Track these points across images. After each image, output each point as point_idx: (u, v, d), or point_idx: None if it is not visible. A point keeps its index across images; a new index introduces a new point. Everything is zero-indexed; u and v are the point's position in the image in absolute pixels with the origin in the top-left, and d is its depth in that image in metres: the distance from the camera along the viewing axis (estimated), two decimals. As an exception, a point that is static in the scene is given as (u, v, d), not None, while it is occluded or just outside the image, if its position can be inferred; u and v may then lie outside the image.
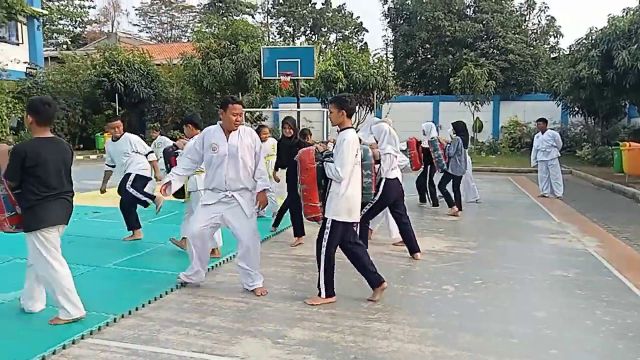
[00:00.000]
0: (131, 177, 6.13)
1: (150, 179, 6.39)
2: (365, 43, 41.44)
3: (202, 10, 44.39)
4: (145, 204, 6.14)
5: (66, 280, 3.64)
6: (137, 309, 3.94)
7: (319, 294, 4.19)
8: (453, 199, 8.41)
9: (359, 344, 3.42)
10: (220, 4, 42.32)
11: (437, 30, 26.14)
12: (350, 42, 39.35)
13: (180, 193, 5.19)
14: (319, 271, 4.18)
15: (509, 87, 23.40)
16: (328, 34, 45.96)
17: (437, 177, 8.92)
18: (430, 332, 3.62)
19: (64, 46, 36.24)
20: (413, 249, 5.69)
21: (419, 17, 26.48)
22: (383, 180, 5.38)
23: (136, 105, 22.57)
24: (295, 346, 3.36)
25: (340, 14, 45.74)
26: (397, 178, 5.53)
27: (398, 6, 28.58)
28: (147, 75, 22.10)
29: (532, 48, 24.53)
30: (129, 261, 5.25)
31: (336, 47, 28.49)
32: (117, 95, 20.84)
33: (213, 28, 22.54)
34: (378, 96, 20.16)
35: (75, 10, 38.02)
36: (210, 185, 4.35)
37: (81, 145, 21.94)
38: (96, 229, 6.79)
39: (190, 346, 3.33)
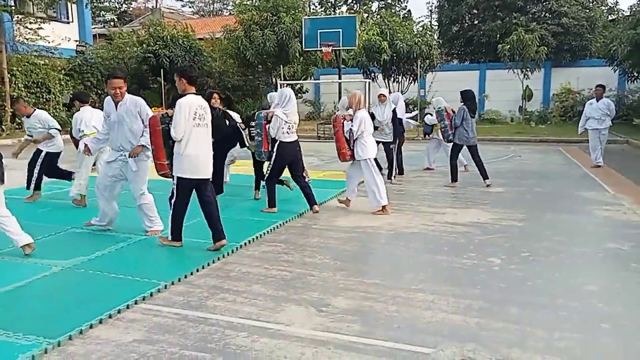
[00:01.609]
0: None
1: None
2: (409, 11, 40.21)
3: (243, -17, 44.14)
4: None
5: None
6: (185, 277, 4.09)
7: (167, 236, 4.85)
8: (456, 174, 8.25)
9: (402, 313, 3.43)
10: (261, -24, 41.91)
11: (485, -6, 25.00)
12: (393, 10, 38.27)
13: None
14: (170, 219, 4.76)
15: (561, 53, 22.23)
16: (370, 3, 44.79)
17: (412, 147, 8.92)
18: (475, 304, 3.58)
19: (111, 23, 37.14)
20: (311, 202, 6.23)
21: (465, -19, 25.36)
22: (277, 143, 6.00)
23: (181, 80, 22.90)
24: (338, 314, 3.41)
25: (383, -19, 44.37)
26: (294, 141, 6.10)
27: (443, -30, 27.47)
28: (191, 50, 22.37)
29: (587, 10, 23.12)
30: (177, 231, 5.42)
31: (379, 16, 27.78)
32: (162, 70, 21.26)
33: (254, 0, 22.44)
34: (422, 65, 19.63)
35: (120, -13, 38.77)
36: (111, 145, 5.29)
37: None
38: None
39: (237, 313, 3.44)
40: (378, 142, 8.14)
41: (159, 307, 3.54)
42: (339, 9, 43.64)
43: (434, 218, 6.09)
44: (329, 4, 44.86)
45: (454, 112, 8.33)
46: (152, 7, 41.44)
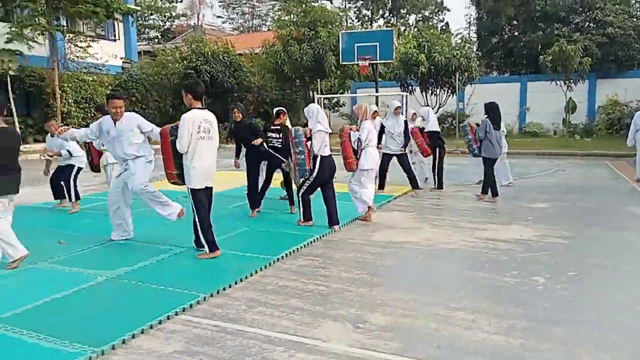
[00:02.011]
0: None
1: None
2: (447, 23, 39.96)
3: (282, -1, 45.05)
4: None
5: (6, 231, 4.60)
6: (224, 289, 4.14)
7: (205, 250, 4.96)
8: (494, 186, 8.08)
9: (442, 332, 3.35)
10: (299, -9, 42.63)
11: (526, 5, 24.56)
12: (431, 23, 38.12)
13: (96, 167, 7.30)
14: (199, 232, 4.94)
15: (607, 64, 21.47)
16: (407, 16, 44.81)
17: (450, 161, 8.86)
18: (519, 324, 3.46)
19: (155, 40, 38.53)
20: (332, 221, 6.14)
21: (505, -8, 25.00)
22: (318, 158, 5.96)
23: (221, 95, 23.52)
24: (376, 331, 3.37)
25: (420, -6, 44.31)
26: (330, 155, 6.09)
27: (482, -18, 27.18)
28: (231, 65, 22.88)
29: (635, 19, 22.30)
30: (218, 243, 5.49)
31: (416, 29, 27.70)
32: (203, 85, 21.80)
33: (292, 15, 22.82)
34: (461, 78, 19.39)
35: (164, 6, 40.19)
36: (115, 159, 6.04)
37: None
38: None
39: (274, 327, 3.45)
40: (391, 155, 8.47)
41: (198, 318, 3.60)
42: (375, 22, 43.80)
43: (474, 234, 5.95)
44: (366, 17, 45.12)
45: (477, 125, 8.16)
46: (194, 24, 42.77)
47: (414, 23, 41.84)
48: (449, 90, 20.24)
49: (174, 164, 4.86)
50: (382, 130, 8.46)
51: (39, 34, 17.48)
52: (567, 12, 23.32)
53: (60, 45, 19.07)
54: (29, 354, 3.02)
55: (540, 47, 22.67)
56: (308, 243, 5.54)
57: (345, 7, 45.38)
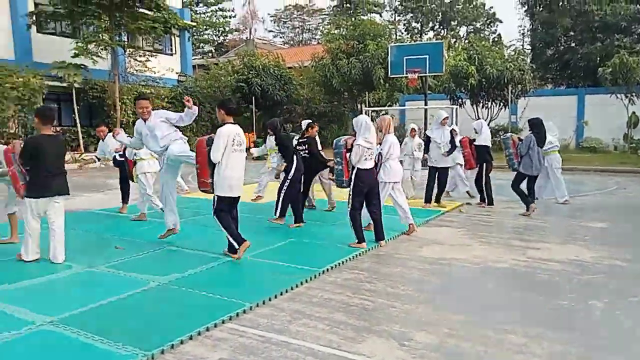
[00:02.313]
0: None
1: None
2: (499, 35, 39.01)
3: (332, 12, 45.59)
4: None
5: (35, 234, 5.09)
6: (270, 299, 4.19)
7: (233, 250, 5.29)
8: (527, 197, 7.96)
9: (490, 355, 3.24)
10: (349, 5, 43.04)
11: (583, 16, 23.69)
12: (482, 35, 37.40)
13: (131, 177, 7.62)
14: (226, 232, 5.28)
15: (673, 76, 20.27)
16: (458, 28, 44.20)
17: (496, 176, 8.57)
18: (573, 351, 3.29)
19: (209, 54, 39.86)
20: (378, 237, 6.05)
21: (561, 3, 24.26)
22: (354, 170, 5.84)
23: (270, 107, 24.00)
24: (421, 350, 3.30)
25: (472, 6, 43.67)
26: (371, 168, 5.91)
27: (537, -7, 26.47)
28: (281, 79, 23.33)
29: None
30: (264, 253, 5.59)
31: (467, 41, 27.27)
32: (254, 98, 22.35)
33: (341, 29, 23.04)
34: (513, 91, 18.88)
35: (218, 21, 41.62)
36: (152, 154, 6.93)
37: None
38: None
39: (319, 339, 3.45)
40: (436, 168, 8.44)
41: (244, 327, 3.65)
42: (425, 34, 43.47)
43: (527, 253, 5.74)
44: (415, 30, 44.85)
45: (520, 140, 8.05)
46: (247, 38, 43.97)
47: (464, 35, 41.20)
48: (501, 103, 19.73)
49: (208, 173, 5.24)
50: (427, 141, 8.54)
51: (102, 49, 18.53)
52: (629, 22, 22.30)
53: (121, 59, 20.12)
54: (85, 353, 3.16)
55: (599, 58, 21.78)
56: (354, 256, 5.53)
57: (395, 19, 45.39)
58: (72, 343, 3.30)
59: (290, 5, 52.31)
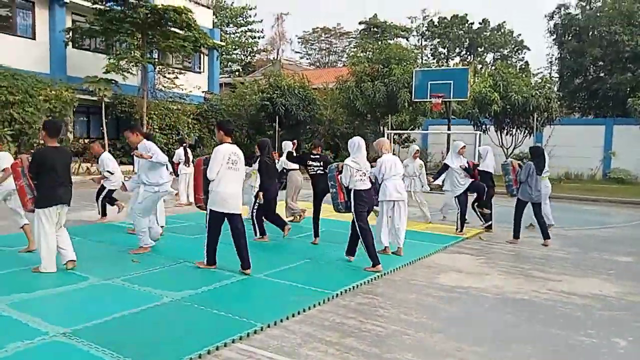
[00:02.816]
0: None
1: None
2: (526, 62, 38.82)
3: (359, 36, 46.12)
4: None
5: (52, 243, 5.22)
6: (281, 321, 4.14)
7: (204, 262, 5.62)
8: (519, 229, 8.02)
9: (505, 390, 3.13)
10: (376, 29, 43.50)
11: (614, 46, 23.38)
12: (509, 62, 37.22)
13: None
14: (205, 243, 5.58)
15: None
16: (485, 54, 44.15)
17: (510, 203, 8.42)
18: (593, 390, 3.16)
19: (236, 73, 40.61)
20: (350, 251, 6.21)
21: (591, 33, 24.05)
22: (352, 193, 5.92)
23: (293, 127, 24.19)
24: (433, 381, 3.21)
25: (499, 33, 43.66)
26: (368, 189, 6.00)
27: (566, 22, 26.32)
28: (305, 99, 23.56)
29: None
30: (279, 273, 5.57)
31: (493, 67, 27.16)
32: (277, 117, 22.59)
33: (367, 52, 23.23)
34: (539, 118, 18.63)
35: (247, 41, 42.48)
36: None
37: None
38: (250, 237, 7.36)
39: (328, 365, 3.39)
40: (457, 197, 8.50)
41: (254, 348, 3.62)
42: (452, 60, 43.49)
43: (547, 285, 5.58)
44: (442, 55, 44.95)
45: (520, 166, 8.11)
46: (274, 58, 44.73)
47: (491, 61, 41.09)
48: (526, 131, 19.48)
49: (203, 190, 5.72)
50: (444, 168, 8.64)
51: (133, 65, 19.04)
52: (661, 52, 21.92)
53: (150, 76, 20.64)
54: (95, 367, 3.17)
55: (629, 89, 21.39)
56: (369, 280, 5.45)
57: (422, 44, 45.63)
58: (83, 356, 3.31)
59: (318, 27, 53.14)
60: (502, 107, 18.35)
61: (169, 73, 21.68)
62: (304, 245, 7.18)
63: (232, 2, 42.98)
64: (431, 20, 45.95)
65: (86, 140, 18.76)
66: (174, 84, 21.54)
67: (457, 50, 45.24)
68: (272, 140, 22.32)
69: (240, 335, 3.77)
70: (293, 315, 4.28)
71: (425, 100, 17.77)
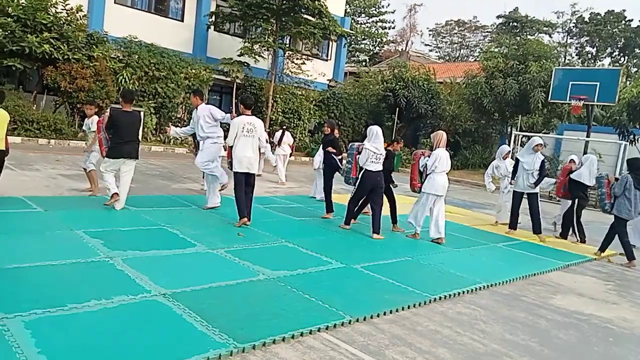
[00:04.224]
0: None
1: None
2: (696, 67, 33.50)
3: (495, 30, 43.43)
4: None
5: (111, 179, 6.50)
6: (371, 317, 3.97)
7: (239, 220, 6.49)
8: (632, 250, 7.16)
9: None
10: (515, 24, 40.60)
11: None
12: (674, 66, 32.44)
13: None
14: (236, 202, 6.48)
15: None
16: (643, 56, 38.97)
17: (588, 213, 7.67)
18: None
19: (362, 63, 40.64)
20: (374, 229, 6.82)
21: None
22: (362, 170, 6.82)
23: (414, 119, 23.58)
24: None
25: (665, 32, 38.15)
26: (377, 171, 6.82)
27: None
28: (429, 92, 22.81)
29: None
30: (376, 267, 5.38)
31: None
32: (397, 109, 22.16)
33: (503, 48, 21.74)
34: None
35: (377, 32, 42.21)
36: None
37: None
38: (358, 229, 7.26)
39: (414, 373, 3.15)
40: (522, 193, 8.17)
41: (338, 341, 3.49)
42: (600, 61, 39.17)
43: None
44: (589, 55, 40.64)
45: (616, 179, 7.20)
46: (402, 50, 43.93)
47: (650, 64, 36.20)
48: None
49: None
50: (516, 164, 8.23)
51: (265, 50, 19.93)
52: None
53: (280, 60, 21.43)
54: (182, 332, 3.27)
55: None
56: (473, 289, 5.04)
57: (566, 42, 41.60)
58: (175, 319, 3.44)
59: (452, 20, 51.11)
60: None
61: (297, 59, 22.33)
62: (407, 242, 6.89)
63: (368, -7, 42.86)
64: (581, 15, 41.59)
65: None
66: (301, 69, 22.14)
67: (609, 50, 40.48)
68: (390, 131, 22.00)
69: (327, 325, 3.67)
70: (384, 314, 4.08)
71: (563, 102, 16.14)
